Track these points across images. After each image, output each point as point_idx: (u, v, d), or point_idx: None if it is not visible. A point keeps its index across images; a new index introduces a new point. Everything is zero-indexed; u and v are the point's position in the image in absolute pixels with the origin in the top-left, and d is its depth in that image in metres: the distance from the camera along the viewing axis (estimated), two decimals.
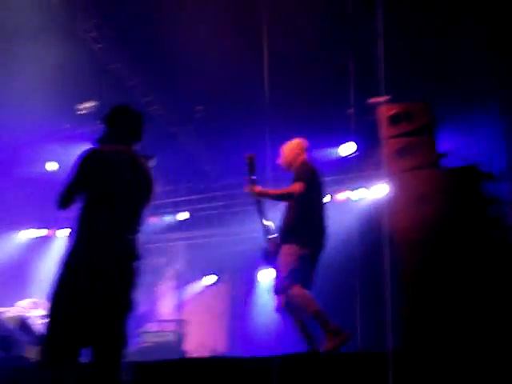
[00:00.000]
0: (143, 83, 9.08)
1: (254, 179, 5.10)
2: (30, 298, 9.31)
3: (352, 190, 9.68)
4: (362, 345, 7.37)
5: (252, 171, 5.14)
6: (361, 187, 9.59)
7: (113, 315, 3.33)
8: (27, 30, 7.42)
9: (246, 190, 5.16)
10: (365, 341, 7.47)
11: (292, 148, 5.38)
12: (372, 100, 5.82)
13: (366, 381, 3.67)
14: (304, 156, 5.31)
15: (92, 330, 3.25)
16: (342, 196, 9.72)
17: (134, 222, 3.55)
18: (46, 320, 6.23)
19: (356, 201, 9.64)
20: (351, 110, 7.41)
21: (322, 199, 5.21)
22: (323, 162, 9.47)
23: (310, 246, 4.92)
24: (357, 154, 9.29)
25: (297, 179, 5.02)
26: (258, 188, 5.11)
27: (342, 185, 9.69)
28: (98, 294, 3.28)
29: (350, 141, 9.30)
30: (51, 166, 9.96)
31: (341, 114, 7.76)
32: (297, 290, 4.76)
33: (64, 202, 3.49)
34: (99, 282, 3.29)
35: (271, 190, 5.33)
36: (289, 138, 5.46)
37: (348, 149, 9.41)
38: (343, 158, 9.48)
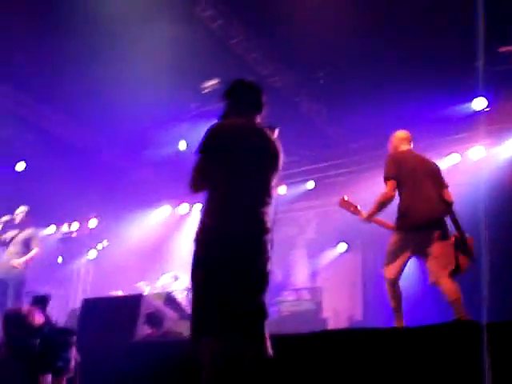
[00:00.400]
0: (263, 56, 9.07)
1: (357, 210, 5.56)
2: (171, 272, 9.79)
3: (484, 146, 9.21)
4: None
5: (350, 207, 5.60)
6: (493, 143, 9.10)
7: (252, 288, 3.37)
8: (147, 13, 7.63)
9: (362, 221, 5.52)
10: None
11: (391, 141, 5.53)
12: (505, 49, 5.45)
13: None
14: (401, 148, 5.34)
15: (234, 304, 3.31)
16: (474, 153, 9.30)
17: (264, 193, 3.55)
18: (189, 294, 6.48)
19: (489, 158, 9.15)
20: (480, 62, 6.96)
21: (417, 181, 5.26)
22: (454, 119, 9.12)
23: None
24: (488, 108, 8.77)
25: (384, 179, 5.26)
26: (364, 214, 5.45)
27: (474, 142, 9.24)
28: (236, 268, 3.33)
29: (480, 95, 8.79)
30: (182, 146, 10.29)
31: (469, 67, 7.31)
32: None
33: (196, 182, 3.55)
34: (236, 255, 3.34)
35: (372, 208, 5.42)
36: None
37: (478, 103, 8.89)
38: (474, 113, 8.98)
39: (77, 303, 11.26)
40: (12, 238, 8.16)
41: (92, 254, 12.58)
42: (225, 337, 3.25)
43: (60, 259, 12.59)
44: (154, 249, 11.52)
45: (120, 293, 9.79)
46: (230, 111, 3.76)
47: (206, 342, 3.27)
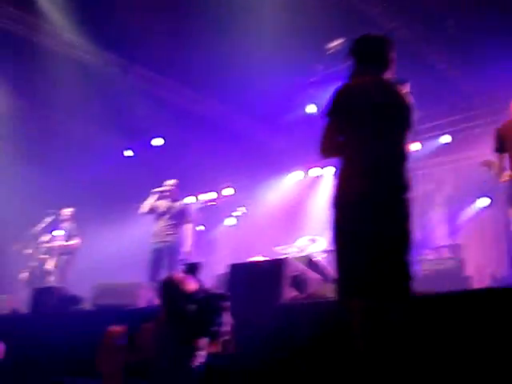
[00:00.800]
0: (386, 9, 8.76)
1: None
2: (307, 235, 9.88)
3: None
4: None
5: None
6: None
7: (396, 248, 3.33)
8: None
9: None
10: None
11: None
12: None
13: None
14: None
15: (380, 265, 3.30)
16: None
17: (399, 151, 3.48)
18: (328, 256, 6.51)
19: None
20: None
21: None
22: None
23: None
24: None
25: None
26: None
27: None
28: (379, 229, 3.30)
29: None
30: (311, 109, 10.27)
31: None
32: None
33: (325, 146, 3.53)
34: (377, 216, 3.31)
35: None
36: None
37: None
38: None
39: (220, 269, 11.77)
40: (166, 209, 8.56)
41: (231, 221, 13.00)
42: (372, 298, 3.26)
43: (201, 228, 13.13)
44: (290, 213, 11.68)
45: (259, 258, 10.06)
46: (358, 70, 3.69)
47: (353, 304, 3.29)
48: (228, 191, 13.05)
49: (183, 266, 3.96)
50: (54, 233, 10.04)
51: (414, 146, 10.15)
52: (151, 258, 8.34)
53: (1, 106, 10.93)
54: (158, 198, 8.61)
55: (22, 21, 9.10)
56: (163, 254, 8.27)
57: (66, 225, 10.09)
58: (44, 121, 11.45)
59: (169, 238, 8.37)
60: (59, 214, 10.19)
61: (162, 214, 8.54)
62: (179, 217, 8.54)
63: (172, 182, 8.85)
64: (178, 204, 8.68)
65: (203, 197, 13.44)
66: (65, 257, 9.78)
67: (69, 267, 9.83)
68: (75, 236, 9.95)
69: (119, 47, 9.71)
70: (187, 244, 8.39)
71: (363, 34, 3.73)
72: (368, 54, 3.65)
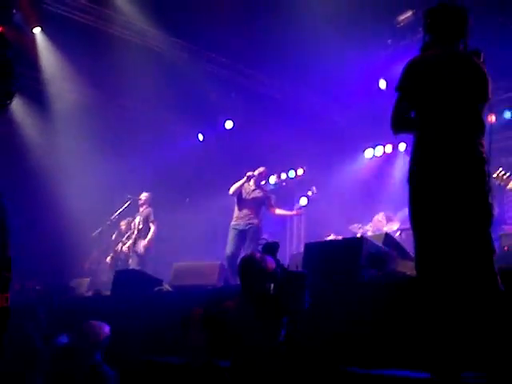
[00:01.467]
0: None
1: None
2: (381, 213, 9.76)
3: None
4: None
5: None
6: None
7: (474, 221, 3.26)
8: None
9: None
10: None
11: None
12: None
13: None
14: None
15: (459, 240, 3.24)
16: None
17: (475, 123, 3.38)
18: (403, 234, 6.42)
19: None
20: None
21: None
22: None
23: None
24: None
25: None
26: None
27: None
28: (457, 203, 3.23)
29: None
30: (382, 85, 10.06)
31: None
32: None
33: (397, 122, 3.47)
34: (455, 191, 3.24)
35: None
36: None
37: None
38: None
39: (293, 249, 11.81)
40: (251, 194, 8.88)
41: (303, 201, 12.98)
42: (453, 275, 3.21)
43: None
44: (363, 192, 11.56)
45: (332, 236, 10.04)
46: (431, 41, 3.59)
47: (433, 281, 3.25)
48: (300, 171, 13.03)
49: (261, 246, 4.01)
50: (136, 219, 10.36)
51: (490, 118, 9.80)
52: (233, 238, 8.64)
53: (76, 97, 11.33)
54: (246, 182, 8.88)
55: (94, 12, 9.36)
56: (245, 237, 8.58)
57: (142, 209, 10.37)
58: (118, 110, 11.79)
59: (252, 221, 8.69)
60: (137, 199, 10.49)
61: (245, 199, 8.84)
62: (262, 202, 8.91)
63: (261, 169, 9.10)
64: (262, 190, 9.05)
65: (274, 177, 13.47)
66: (144, 240, 10.06)
67: (148, 250, 10.12)
68: (153, 220, 10.22)
69: (189, 34, 9.85)
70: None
71: (437, 4, 3.62)
72: (442, 24, 3.54)
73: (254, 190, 8.89)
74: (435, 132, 3.36)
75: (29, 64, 10.38)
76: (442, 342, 3.21)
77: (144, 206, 10.42)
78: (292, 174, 13.16)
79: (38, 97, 11.03)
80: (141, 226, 10.20)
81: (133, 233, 10.23)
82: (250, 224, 8.64)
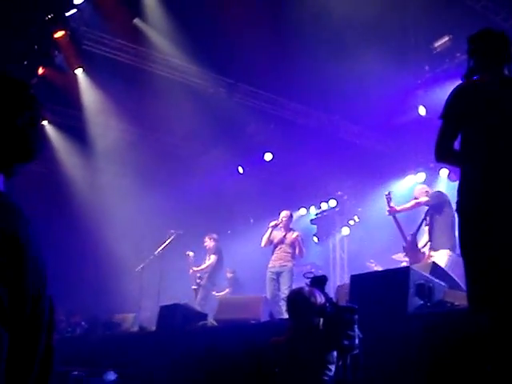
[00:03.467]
0: (493, 2, 8.41)
1: None
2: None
3: None
4: None
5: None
6: None
7: None
8: None
9: None
10: None
11: None
12: None
13: None
14: None
15: (510, 272, 3.13)
16: None
17: None
18: (449, 263, 6.20)
19: None
20: None
21: None
22: None
23: None
24: None
25: None
26: None
27: None
28: (507, 233, 3.14)
29: None
30: (422, 111, 9.99)
31: None
32: None
33: (441, 149, 3.40)
34: (505, 219, 3.15)
35: None
36: None
37: None
38: None
39: (337, 280, 11.67)
40: (281, 240, 9.33)
41: (345, 230, 12.88)
42: (506, 306, 3.10)
43: (315, 239, 13.11)
44: (405, 220, 11.37)
45: (375, 264, 9.90)
46: (475, 67, 3.54)
47: (486, 313, 3.15)
48: (341, 200, 12.95)
49: (309, 280, 3.96)
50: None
51: None
52: (270, 278, 9.13)
53: (118, 135, 11.57)
54: (273, 230, 9.36)
55: (132, 51, 9.60)
56: (281, 277, 9.05)
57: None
58: (159, 145, 12.00)
59: (286, 264, 9.12)
60: (181, 234, 10.65)
61: (278, 243, 9.30)
62: (293, 246, 9.28)
63: (284, 213, 9.49)
64: (290, 235, 9.36)
65: (314, 208, 13.41)
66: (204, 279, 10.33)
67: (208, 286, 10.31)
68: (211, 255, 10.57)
69: (226, 68, 10.01)
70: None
71: (480, 30, 3.57)
72: (486, 50, 3.49)
73: (284, 236, 9.34)
74: (484, 160, 3.28)
75: (71, 104, 10.68)
76: (494, 376, 3.09)
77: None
78: (333, 203, 13.07)
79: (80, 135, 11.31)
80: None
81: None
82: (283, 267, 9.11)
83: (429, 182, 11.53)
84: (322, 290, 3.87)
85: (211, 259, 10.48)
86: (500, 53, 3.50)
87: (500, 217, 3.14)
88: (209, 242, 10.63)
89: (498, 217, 3.14)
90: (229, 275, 11.60)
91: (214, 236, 10.74)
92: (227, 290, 11.31)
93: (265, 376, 3.93)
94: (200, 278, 10.30)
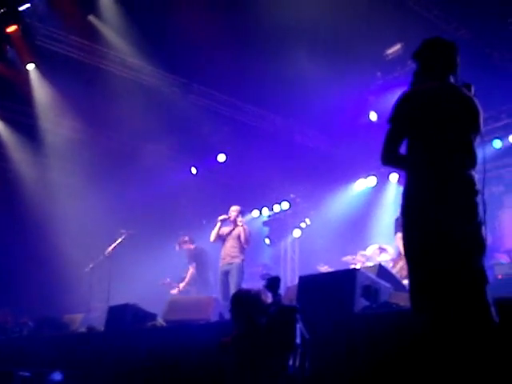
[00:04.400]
0: (443, 11, 8.64)
1: None
2: (375, 244, 9.76)
3: None
4: None
5: None
6: None
7: (468, 252, 3.26)
8: None
9: None
10: None
11: None
12: None
13: None
14: None
15: (451, 271, 3.24)
16: None
17: (468, 154, 3.41)
18: (396, 264, 6.37)
19: None
20: None
21: None
22: None
23: None
24: None
25: None
26: None
27: None
28: (449, 235, 3.25)
29: None
30: (373, 117, 10.18)
31: None
32: None
33: (388, 153, 3.49)
34: (447, 222, 3.26)
35: None
36: None
37: None
38: None
39: (287, 281, 11.77)
40: (230, 234, 9.23)
41: (296, 233, 13.00)
42: (447, 307, 3.20)
43: (267, 241, 13.20)
44: (355, 223, 11.58)
45: (325, 267, 10.02)
46: (422, 75, 3.65)
47: (426, 314, 3.24)
48: (293, 203, 13.07)
49: (264, 281, 4.01)
50: None
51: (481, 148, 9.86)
52: (220, 279, 9.04)
53: (68, 132, 11.40)
54: (222, 225, 9.26)
55: (86, 48, 9.47)
56: (230, 275, 8.91)
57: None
58: (110, 144, 11.85)
59: (233, 261, 9.00)
60: (134, 234, 10.51)
61: (226, 237, 9.23)
62: (239, 239, 9.15)
63: (234, 208, 9.37)
64: (240, 228, 9.19)
65: (267, 210, 13.49)
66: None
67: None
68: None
69: (180, 68, 9.98)
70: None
71: (428, 39, 3.66)
72: (434, 58, 3.59)
73: (232, 231, 9.25)
74: (428, 164, 3.38)
75: (22, 99, 10.46)
76: (436, 375, 3.18)
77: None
78: (285, 205, 13.18)
79: (30, 132, 11.09)
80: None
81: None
82: (230, 264, 8.98)
83: (379, 186, 11.81)
84: (276, 291, 3.92)
85: (190, 270, 10.29)
86: (445, 61, 3.61)
87: (441, 221, 3.25)
88: (182, 248, 10.45)
89: (439, 221, 3.25)
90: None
91: (186, 239, 10.53)
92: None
93: (213, 376, 3.95)
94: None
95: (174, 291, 10.25)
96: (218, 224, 9.23)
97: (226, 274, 8.96)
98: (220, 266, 9.14)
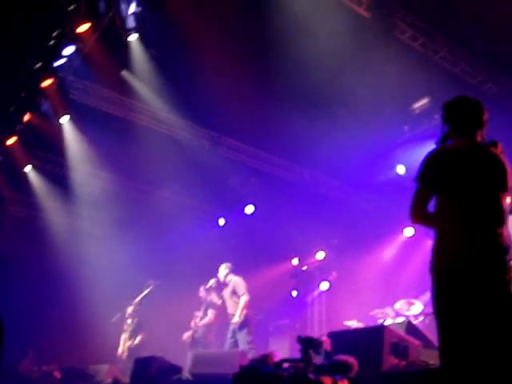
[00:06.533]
0: (470, 65, 8.72)
1: None
2: (404, 299, 9.61)
3: None
4: None
5: None
6: None
7: (499, 314, 3.21)
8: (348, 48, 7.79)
9: None
10: None
11: None
12: None
13: None
14: None
15: (481, 328, 3.19)
16: None
17: (496, 213, 3.39)
18: (426, 319, 6.24)
19: None
20: None
21: None
22: None
23: None
24: None
25: None
26: None
27: None
28: (479, 295, 3.21)
29: None
30: (400, 170, 10.20)
31: None
32: None
33: (416, 212, 3.50)
34: (476, 282, 3.22)
35: None
36: None
37: None
38: None
39: (315, 335, 11.57)
40: (224, 294, 9.37)
41: (324, 285, 12.85)
42: (477, 367, 3.14)
43: (294, 293, 13.06)
44: (385, 276, 11.43)
45: (355, 322, 9.86)
46: (449, 133, 3.67)
47: (457, 373, 3.18)
48: (320, 255, 12.96)
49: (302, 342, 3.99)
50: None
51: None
52: (228, 338, 8.99)
53: (100, 183, 11.60)
54: (221, 288, 9.48)
55: (119, 103, 9.76)
56: (235, 334, 8.86)
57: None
58: (141, 196, 12.03)
59: (235, 320, 8.94)
60: (157, 285, 10.49)
61: (224, 300, 9.38)
62: (235, 292, 9.14)
63: (221, 268, 9.49)
64: (231, 284, 9.27)
65: (296, 261, 13.38)
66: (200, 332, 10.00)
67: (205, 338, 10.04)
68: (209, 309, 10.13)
69: (210, 122, 10.16)
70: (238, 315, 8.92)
71: (455, 97, 3.71)
72: (459, 117, 3.63)
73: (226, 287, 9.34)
74: (456, 223, 3.36)
75: (55, 150, 10.72)
76: None
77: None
78: (313, 257, 13.05)
79: (62, 182, 11.31)
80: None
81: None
82: (234, 323, 8.94)
83: (408, 240, 11.68)
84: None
85: (210, 314, 10.02)
86: (472, 119, 3.64)
87: (470, 280, 3.22)
88: (204, 294, 10.19)
89: (468, 280, 3.22)
90: None
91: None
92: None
93: None
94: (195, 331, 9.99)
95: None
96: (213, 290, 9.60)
97: (233, 332, 8.92)
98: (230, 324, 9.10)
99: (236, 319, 8.80)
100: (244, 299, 8.94)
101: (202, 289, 10.13)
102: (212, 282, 9.39)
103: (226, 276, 9.28)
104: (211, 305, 10.04)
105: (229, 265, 9.45)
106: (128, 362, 9.61)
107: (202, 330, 9.93)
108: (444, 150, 3.57)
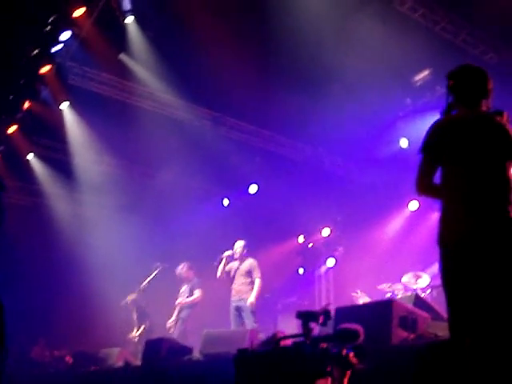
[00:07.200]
0: (471, 36, 8.63)
1: None
2: (411, 272, 9.62)
3: None
4: None
5: None
6: None
7: (506, 280, 3.21)
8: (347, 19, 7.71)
9: None
10: None
11: None
12: None
13: None
14: None
15: (489, 302, 3.19)
16: None
17: (502, 183, 3.37)
18: (433, 292, 6.22)
19: None
20: None
21: None
22: None
23: None
24: None
25: None
26: None
27: None
28: (486, 265, 3.20)
29: None
30: (404, 143, 10.16)
31: None
32: None
33: (421, 184, 3.47)
34: (484, 252, 3.21)
35: None
36: None
37: None
38: None
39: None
40: (235, 270, 9.12)
41: (330, 261, 12.88)
42: (486, 337, 3.15)
43: (301, 270, 13.11)
44: (391, 249, 11.43)
45: (360, 294, 9.88)
46: (454, 103, 3.63)
47: (466, 343, 3.19)
48: (326, 232, 12.98)
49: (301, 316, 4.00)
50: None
51: None
52: (232, 313, 8.93)
53: (102, 168, 11.60)
54: (228, 262, 9.18)
55: (118, 85, 9.71)
56: (242, 314, 8.82)
57: (186, 281, 10.08)
58: (143, 179, 12.03)
59: (243, 297, 8.86)
60: (166, 267, 10.48)
61: (234, 275, 9.12)
62: (250, 274, 9.02)
63: (240, 243, 9.28)
64: (247, 263, 9.09)
65: (302, 239, 13.41)
66: (185, 311, 9.88)
67: (188, 320, 9.94)
68: (197, 289, 9.96)
69: (211, 101, 10.11)
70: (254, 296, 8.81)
71: (458, 66, 3.66)
72: (464, 86, 3.58)
73: (239, 267, 9.12)
74: (463, 193, 3.35)
75: (56, 137, 10.71)
76: None
77: (185, 277, 10.13)
78: (319, 234, 13.08)
79: (65, 168, 11.32)
80: (184, 299, 9.93)
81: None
82: (241, 300, 8.87)
83: (414, 213, 11.67)
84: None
85: (197, 294, 9.84)
86: (477, 89, 3.59)
87: (478, 252, 3.21)
88: (187, 272, 9.96)
89: (476, 252, 3.21)
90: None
91: (190, 265, 10.15)
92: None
93: None
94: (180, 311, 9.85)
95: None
96: (224, 260, 9.15)
97: (238, 309, 8.87)
98: (231, 301, 9.02)
99: (252, 299, 8.74)
100: (259, 282, 8.93)
101: (185, 268, 10.07)
102: (228, 252, 9.22)
103: (242, 252, 9.19)
104: (197, 284, 9.94)
105: (246, 243, 9.39)
106: (139, 344, 9.67)
107: (186, 310, 9.90)
108: (448, 120, 3.54)
